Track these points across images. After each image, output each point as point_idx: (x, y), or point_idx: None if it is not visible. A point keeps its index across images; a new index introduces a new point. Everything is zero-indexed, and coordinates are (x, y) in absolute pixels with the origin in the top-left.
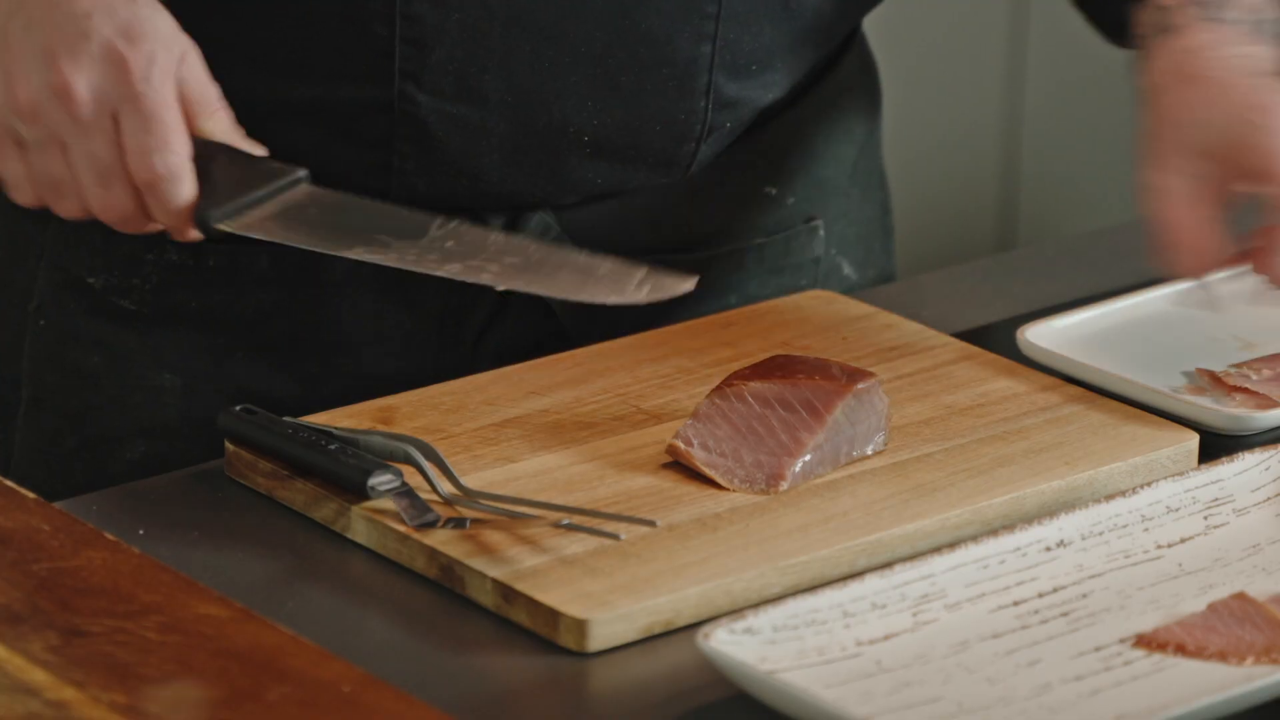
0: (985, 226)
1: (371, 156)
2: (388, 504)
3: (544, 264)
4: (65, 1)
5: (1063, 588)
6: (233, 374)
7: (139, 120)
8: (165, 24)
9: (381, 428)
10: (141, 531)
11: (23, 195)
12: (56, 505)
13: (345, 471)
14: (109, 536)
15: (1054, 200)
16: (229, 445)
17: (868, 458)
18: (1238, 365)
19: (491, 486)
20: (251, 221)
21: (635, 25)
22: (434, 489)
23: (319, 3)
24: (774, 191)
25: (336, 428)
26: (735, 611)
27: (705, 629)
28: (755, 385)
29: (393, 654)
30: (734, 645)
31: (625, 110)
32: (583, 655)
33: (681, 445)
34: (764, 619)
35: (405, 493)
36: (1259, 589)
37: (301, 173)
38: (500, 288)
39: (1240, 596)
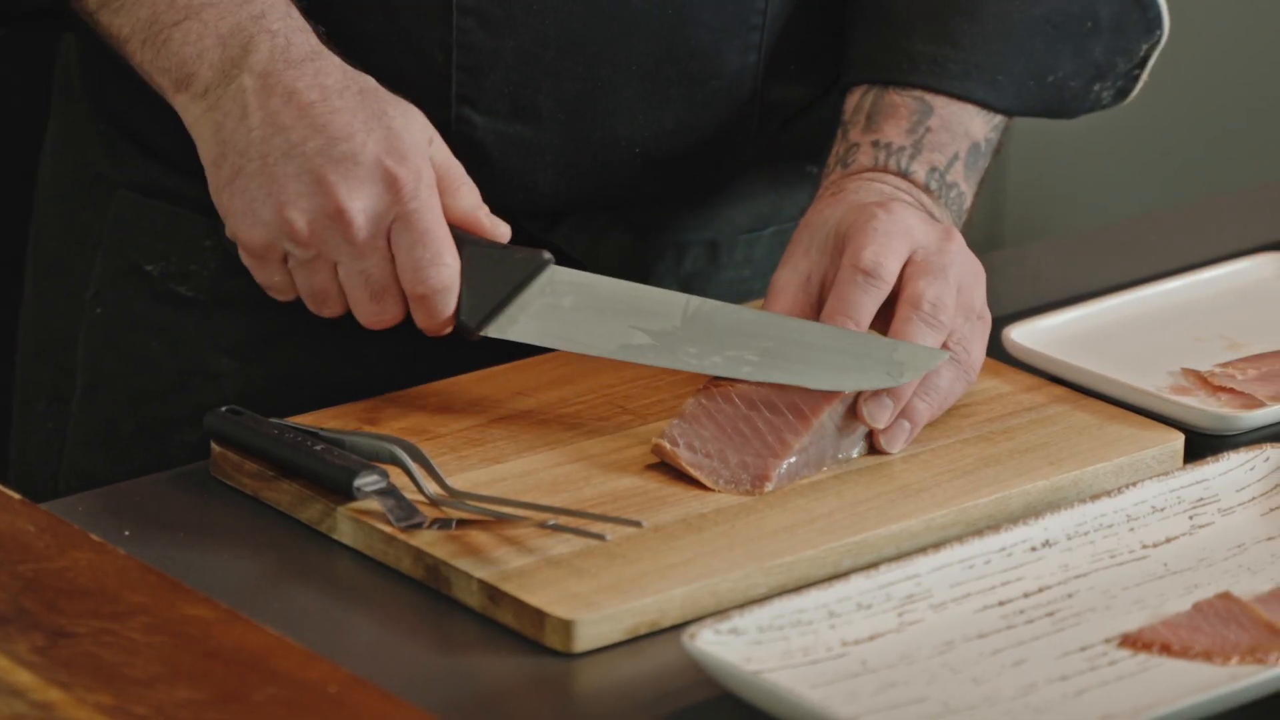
0: (972, 227)
1: None
2: (373, 505)
3: (795, 346)
4: (326, 124)
5: (1048, 588)
6: (289, 358)
7: (412, 236)
8: (418, 124)
9: (367, 428)
10: (127, 533)
11: (283, 297)
12: (42, 507)
13: (331, 472)
14: (95, 538)
15: (1040, 202)
16: (214, 446)
17: (853, 459)
18: (1223, 365)
19: (477, 487)
20: (512, 325)
21: (685, 41)
22: (420, 490)
23: (379, 29)
24: (816, 171)
25: (322, 429)
26: (721, 612)
27: (691, 629)
28: (742, 387)
29: (379, 655)
30: (719, 645)
31: (676, 122)
32: (569, 656)
33: (667, 445)
34: (749, 619)
35: (391, 493)
36: (1244, 589)
37: (547, 256)
38: (757, 380)
39: (1225, 596)
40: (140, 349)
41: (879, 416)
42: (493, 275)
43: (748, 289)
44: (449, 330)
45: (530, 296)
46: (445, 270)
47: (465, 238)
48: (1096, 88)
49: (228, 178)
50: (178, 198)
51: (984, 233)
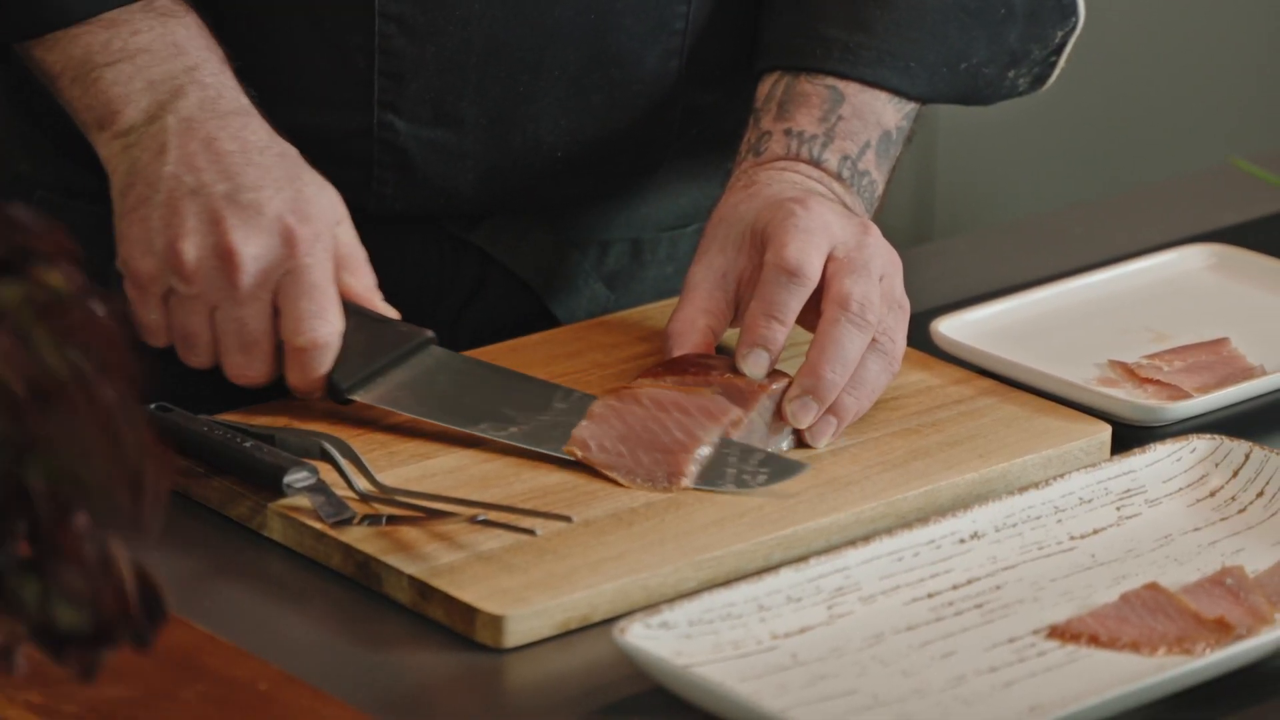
0: (900, 220)
1: (351, 176)
2: (303, 501)
3: None
4: (238, 173)
5: (977, 579)
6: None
7: (300, 289)
8: (329, 200)
9: (297, 424)
10: None
11: (153, 338)
12: None
13: (260, 469)
14: None
15: (968, 195)
16: None
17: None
18: (1150, 357)
19: (408, 483)
20: (383, 393)
21: (607, 47)
22: (350, 486)
23: (302, 35)
24: None
25: (251, 425)
26: (651, 606)
27: (621, 624)
28: (650, 390)
29: (309, 652)
30: (650, 640)
31: (599, 126)
32: (499, 651)
33: (578, 451)
34: (679, 613)
35: (321, 490)
36: (1171, 579)
37: (429, 334)
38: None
39: (1152, 587)
40: None
41: (802, 418)
42: (372, 343)
43: (671, 286)
44: (317, 394)
45: (406, 370)
46: (328, 326)
47: (351, 307)
48: (1011, 74)
49: (131, 205)
50: (98, 197)
51: (912, 226)
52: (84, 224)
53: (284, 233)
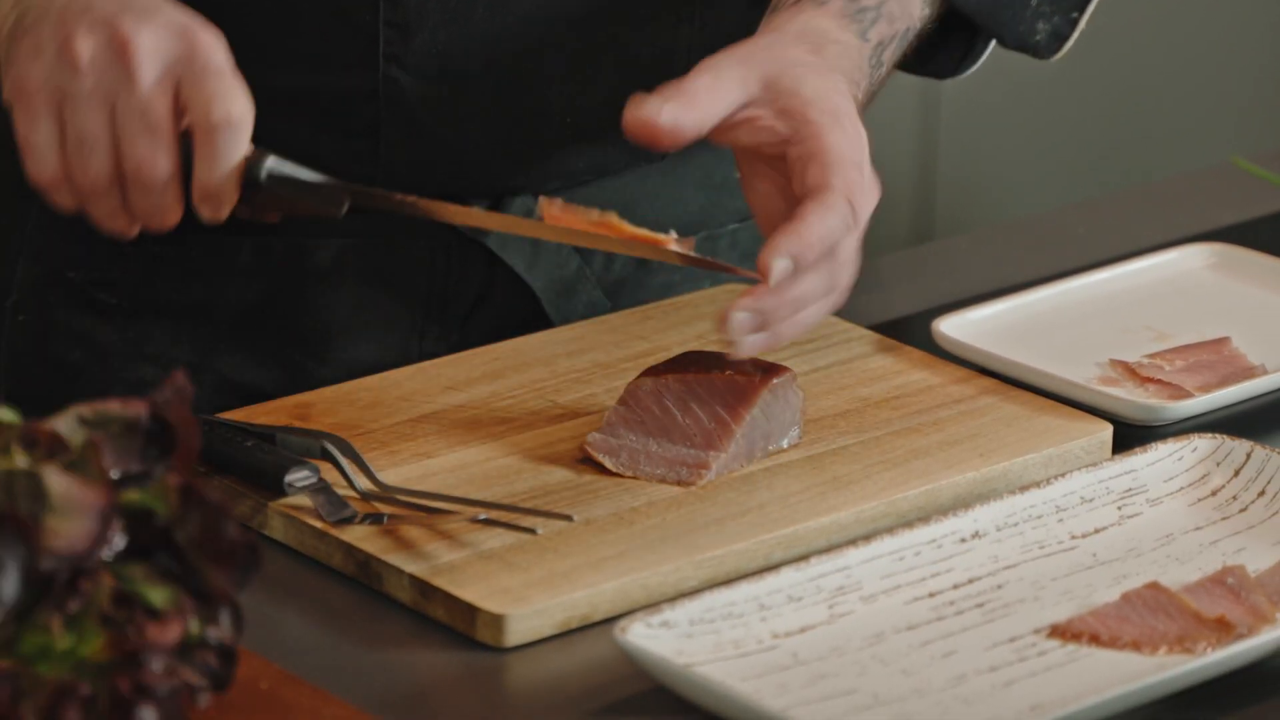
0: (901, 219)
1: (357, 143)
2: (304, 500)
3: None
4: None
5: (978, 579)
6: (216, 366)
7: (207, 72)
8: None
9: (298, 424)
10: None
11: (44, 163)
12: None
13: (261, 468)
14: None
15: (969, 194)
16: None
17: (783, 451)
18: (1151, 356)
19: (408, 482)
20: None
21: (616, 7)
22: (351, 485)
23: None
24: None
25: (253, 424)
26: (652, 605)
27: (622, 623)
28: (669, 382)
29: (310, 650)
30: (650, 639)
31: (606, 92)
32: (500, 650)
33: (595, 450)
34: (680, 613)
35: (322, 489)
36: (1172, 578)
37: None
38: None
39: (1153, 586)
40: (63, 357)
41: (738, 332)
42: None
43: (677, 294)
44: (231, 196)
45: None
46: (239, 104)
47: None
48: (1035, 3)
49: (22, 32)
50: None
51: (912, 226)
52: (86, 230)
53: (183, 32)
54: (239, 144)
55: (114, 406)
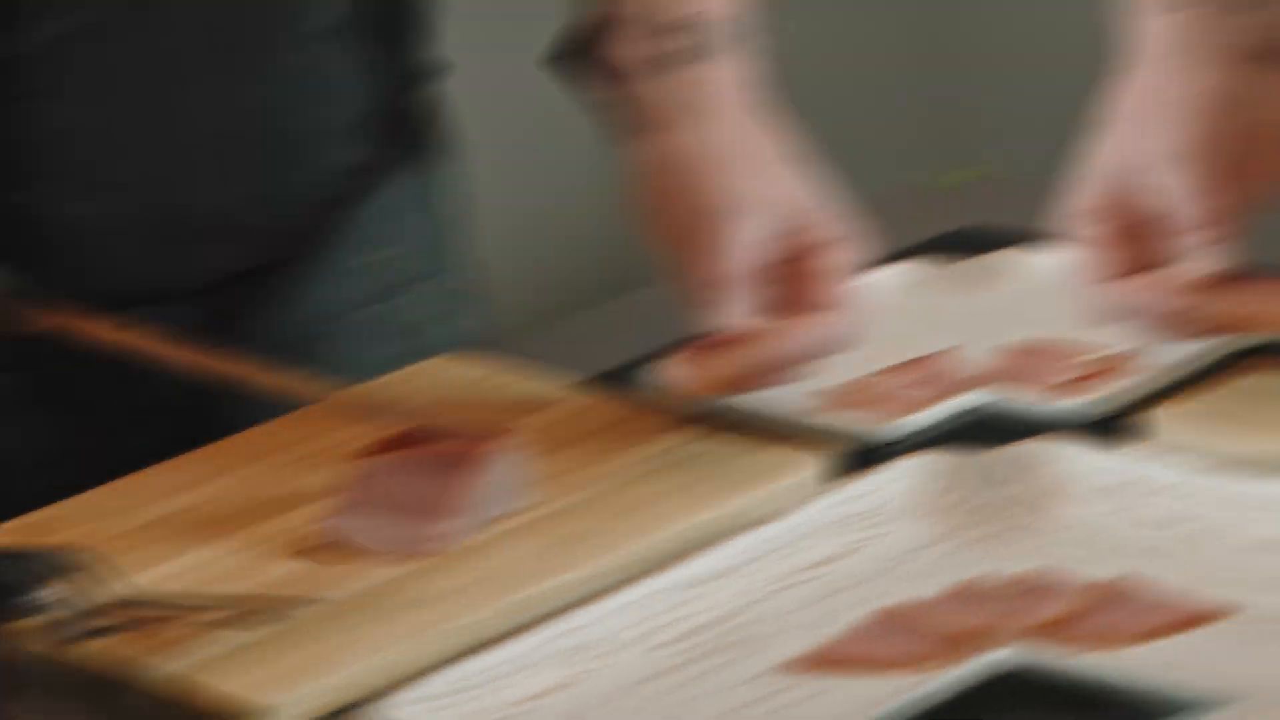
0: (589, 274)
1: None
2: (48, 618)
3: None
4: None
5: (717, 621)
6: None
7: None
8: None
9: (33, 541)
10: None
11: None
12: None
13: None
14: None
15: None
16: None
17: (515, 514)
18: (863, 377)
19: (154, 585)
20: None
21: (245, 100)
22: (92, 599)
23: None
24: (369, 260)
25: None
26: (407, 680)
27: (377, 704)
28: (391, 459)
29: None
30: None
31: (244, 188)
32: None
33: (330, 528)
34: (421, 690)
35: (62, 605)
36: (908, 597)
37: None
38: None
39: (890, 609)
40: None
41: None
42: None
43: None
44: None
45: None
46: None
47: None
48: None
49: None
50: None
51: (612, 277)
52: None
53: None
54: None
55: None
